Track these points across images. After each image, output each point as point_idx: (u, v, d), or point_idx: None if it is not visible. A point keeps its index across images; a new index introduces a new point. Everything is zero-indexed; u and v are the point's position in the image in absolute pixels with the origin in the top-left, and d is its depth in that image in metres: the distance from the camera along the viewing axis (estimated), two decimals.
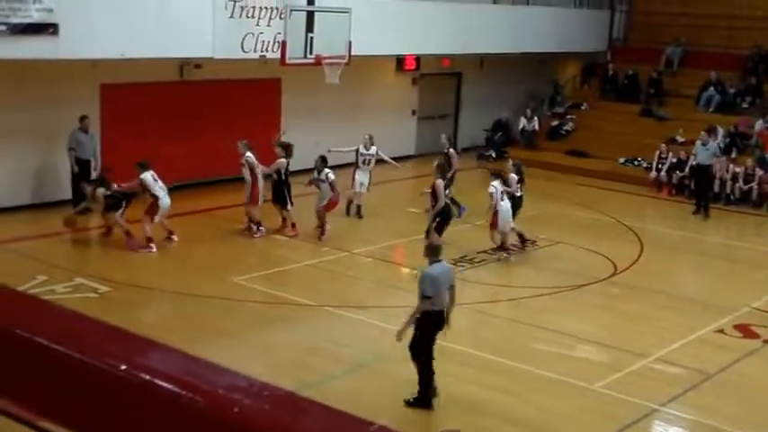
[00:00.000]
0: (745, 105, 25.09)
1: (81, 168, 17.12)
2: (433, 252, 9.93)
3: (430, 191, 15.43)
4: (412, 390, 10.34)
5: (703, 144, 20.82)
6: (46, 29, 15.05)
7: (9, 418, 2.83)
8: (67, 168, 17.25)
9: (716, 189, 21.90)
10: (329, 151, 16.82)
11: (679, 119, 25.21)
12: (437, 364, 10.08)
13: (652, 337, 12.58)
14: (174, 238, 15.55)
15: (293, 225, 16.28)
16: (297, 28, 17.31)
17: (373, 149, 18.11)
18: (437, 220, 15.15)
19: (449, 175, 16.68)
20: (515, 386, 10.73)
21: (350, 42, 18.12)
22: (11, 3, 14.59)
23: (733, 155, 22.65)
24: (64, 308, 3.12)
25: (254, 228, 16.13)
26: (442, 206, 15.18)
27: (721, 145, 23.02)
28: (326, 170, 16.15)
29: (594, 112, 27.08)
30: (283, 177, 16.26)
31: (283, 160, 16.27)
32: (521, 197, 16.48)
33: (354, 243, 16.01)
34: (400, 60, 24.63)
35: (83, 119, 17.18)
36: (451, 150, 18.58)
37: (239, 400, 2.36)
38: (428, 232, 14.74)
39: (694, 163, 21.44)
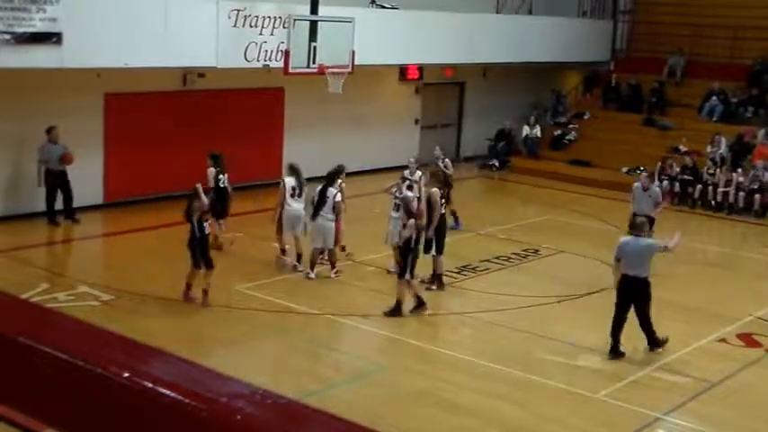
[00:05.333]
0: (748, 115, 25.12)
1: (54, 179, 16.78)
2: (634, 226, 12.47)
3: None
4: (413, 400, 10.36)
5: (644, 189, 16.24)
6: (50, 38, 15.10)
7: (12, 426, 2.84)
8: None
9: (719, 198, 21.97)
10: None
11: (682, 128, 25.25)
12: (439, 372, 10.08)
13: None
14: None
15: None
16: (300, 37, 17.34)
17: (418, 174, 16.13)
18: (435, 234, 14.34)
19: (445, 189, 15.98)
20: (518, 395, 10.73)
21: (353, 52, 18.16)
22: (15, 12, 14.65)
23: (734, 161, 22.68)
24: (67, 316, 3.14)
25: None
26: (439, 219, 14.39)
27: (724, 155, 23.09)
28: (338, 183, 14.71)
29: (597, 121, 27.10)
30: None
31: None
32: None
33: (357, 251, 16.00)
34: (403, 70, 24.67)
35: (50, 130, 16.65)
36: (447, 161, 17.99)
37: (242, 408, 2.37)
38: (428, 246, 14.38)
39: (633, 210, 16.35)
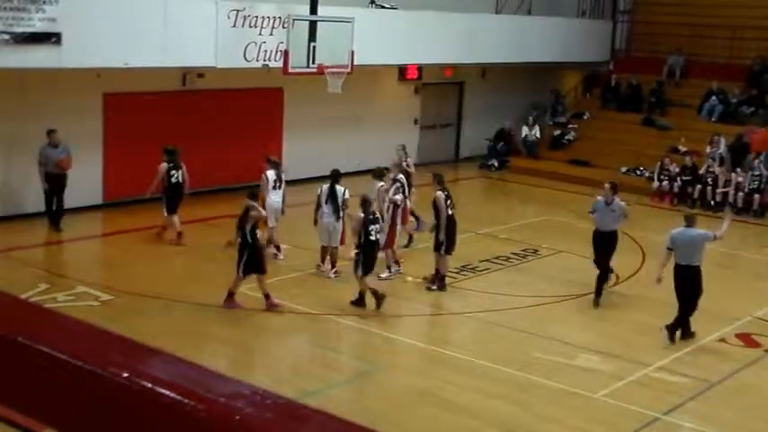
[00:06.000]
0: (747, 114, 25.09)
1: (53, 183, 16.63)
2: (687, 220, 13.16)
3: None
4: (413, 400, 10.35)
5: (607, 203, 14.26)
6: (49, 38, 15.09)
7: (11, 426, 2.84)
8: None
9: (718, 198, 21.97)
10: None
11: (681, 128, 25.25)
12: (439, 372, 10.08)
13: (654, 346, 12.57)
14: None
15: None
16: (299, 37, 17.33)
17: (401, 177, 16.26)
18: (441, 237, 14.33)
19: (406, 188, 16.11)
20: (517, 395, 10.72)
21: (352, 52, 18.15)
22: (14, 12, 14.64)
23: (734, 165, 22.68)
24: (66, 316, 3.13)
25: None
26: (446, 220, 14.34)
27: (724, 155, 23.08)
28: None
29: (596, 121, 27.10)
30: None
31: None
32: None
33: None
34: (402, 70, 24.67)
35: (50, 133, 16.44)
36: (409, 160, 17.97)
37: (241, 409, 2.36)
38: (438, 247, 14.37)
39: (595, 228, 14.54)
